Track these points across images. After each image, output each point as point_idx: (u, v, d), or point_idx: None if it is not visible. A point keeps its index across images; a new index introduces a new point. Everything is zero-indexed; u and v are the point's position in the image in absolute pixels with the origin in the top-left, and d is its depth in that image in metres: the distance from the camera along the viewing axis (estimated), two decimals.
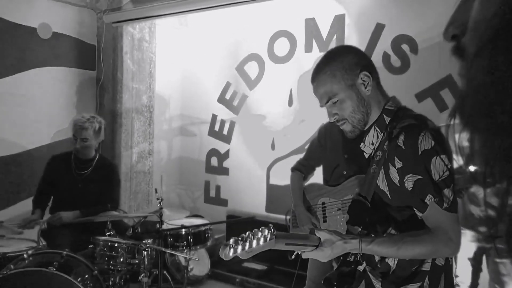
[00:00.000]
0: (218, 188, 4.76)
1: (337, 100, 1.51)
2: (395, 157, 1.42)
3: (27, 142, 4.05)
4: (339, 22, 3.85)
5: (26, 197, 3.78)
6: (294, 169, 2.75)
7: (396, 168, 1.42)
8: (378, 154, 1.52)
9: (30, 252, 2.62)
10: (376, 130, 1.53)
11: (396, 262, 1.49)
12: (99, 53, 4.57)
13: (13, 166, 3.96)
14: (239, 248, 1.30)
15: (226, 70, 4.61)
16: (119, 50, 4.45)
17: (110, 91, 4.56)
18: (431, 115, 1.52)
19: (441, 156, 1.38)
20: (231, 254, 1.30)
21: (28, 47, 4.03)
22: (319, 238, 1.44)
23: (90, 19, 4.53)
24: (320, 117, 3.17)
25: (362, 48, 3.71)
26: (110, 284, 2.81)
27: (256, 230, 1.32)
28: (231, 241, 1.30)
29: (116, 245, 2.81)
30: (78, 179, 3.36)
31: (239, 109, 4.57)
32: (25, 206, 3.76)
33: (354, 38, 3.78)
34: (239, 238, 1.30)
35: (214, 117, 4.76)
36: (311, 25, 4.04)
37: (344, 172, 2.48)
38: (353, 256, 1.53)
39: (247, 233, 1.32)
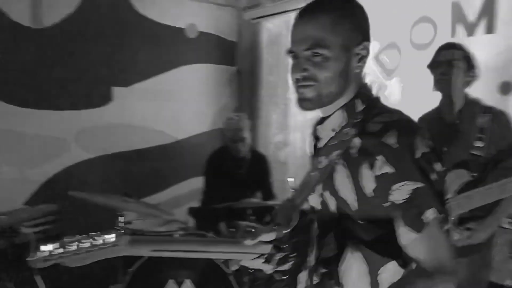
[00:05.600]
0: None
1: (322, 54, 1.13)
2: (380, 159, 1.08)
3: (176, 133, 4.45)
4: (489, 4, 3.52)
5: (175, 183, 4.18)
6: None
7: (379, 173, 1.08)
8: (333, 144, 1.19)
9: (180, 233, 2.89)
10: (343, 115, 1.19)
11: None
12: (239, 49, 4.82)
13: (165, 154, 4.39)
14: None
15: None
16: (258, 45, 4.64)
17: (249, 85, 4.79)
18: None
19: (438, 163, 1.11)
20: None
21: (177, 46, 4.42)
22: None
23: (231, 16, 4.80)
24: None
25: None
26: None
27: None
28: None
29: (253, 230, 2.95)
30: (237, 176, 3.49)
31: None
32: (174, 190, 4.18)
33: (508, 21, 3.42)
34: None
35: None
36: (456, 9, 3.75)
37: None
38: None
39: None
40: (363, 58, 1.19)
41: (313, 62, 1.14)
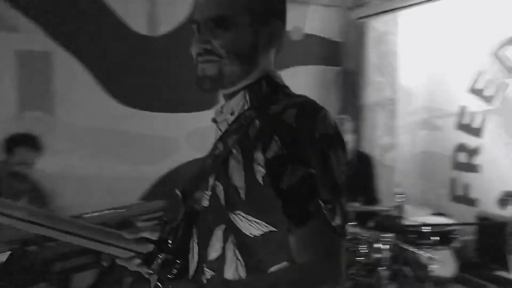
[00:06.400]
0: (466, 187, 4.39)
1: (226, 27, 1.02)
2: (274, 139, 0.94)
3: None
4: None
5: None
6: None
7: (271, 156, 0.93)
8: (232, 128, 1.05)
9: None
10: (245, 98, 1.06)
11: None
12: (345, 49, 4.75)
13: None
14: None
15: (478, 57, 4.20)
16: (364, 45, 4.55)
17: (354, 86, 4.70)
18: None
19: (343, 151, 0.99)
20: None
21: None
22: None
23: (336, 16, 4.75)
24: None
25: None
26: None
27: None
28: None
29: (357, 236, 2.92)
30: None
31: (495, 99, 4.11)
32: None
33: None
34: None
35: (462, 108, 4.40)
36: None
37: None
38: None
39: None
40: (273, 39, 1.07)
41: (217, 34, 1.02)
